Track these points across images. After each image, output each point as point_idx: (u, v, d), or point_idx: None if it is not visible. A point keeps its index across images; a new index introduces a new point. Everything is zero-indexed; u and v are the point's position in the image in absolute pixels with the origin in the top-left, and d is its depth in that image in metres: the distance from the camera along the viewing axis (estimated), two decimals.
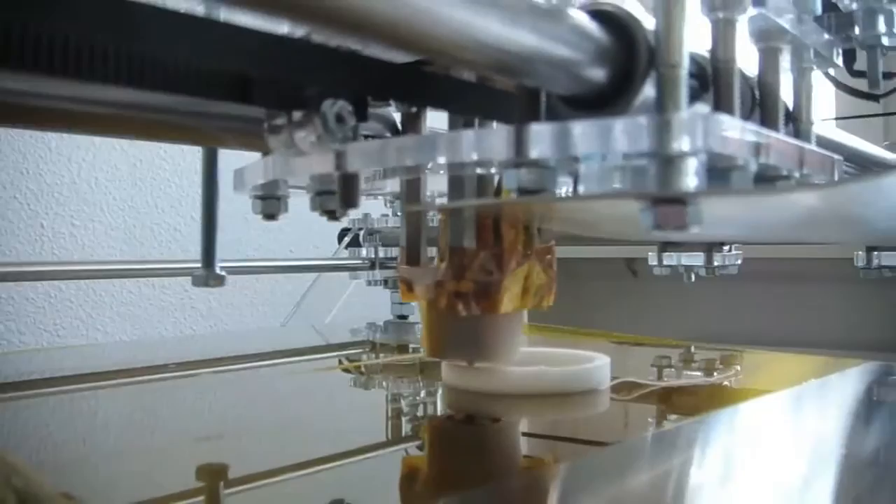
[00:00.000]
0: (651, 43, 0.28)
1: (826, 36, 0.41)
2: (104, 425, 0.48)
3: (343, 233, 0.89)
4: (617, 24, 0.28)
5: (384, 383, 0.58)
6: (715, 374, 0.58)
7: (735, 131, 0.27)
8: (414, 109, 0.38)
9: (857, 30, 0.44)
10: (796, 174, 0.32)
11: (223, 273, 0.51)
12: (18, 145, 1.02)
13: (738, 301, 1.38)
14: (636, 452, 0.39)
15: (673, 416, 0.48)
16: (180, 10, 0.23)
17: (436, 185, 0.48)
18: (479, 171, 0.39)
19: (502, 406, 0.46)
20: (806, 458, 0.38)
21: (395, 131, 0.40)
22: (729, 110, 0.31)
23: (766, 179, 0.32)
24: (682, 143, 0.25)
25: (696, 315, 1.38)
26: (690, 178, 0.26)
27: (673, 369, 0.55)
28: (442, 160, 0.30)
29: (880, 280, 0.74)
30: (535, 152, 0.27)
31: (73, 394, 0.57)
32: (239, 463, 0.36)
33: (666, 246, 0.67)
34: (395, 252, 0.82)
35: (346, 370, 0.68)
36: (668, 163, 0.26)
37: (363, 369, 0.65)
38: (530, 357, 0.51)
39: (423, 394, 0.54)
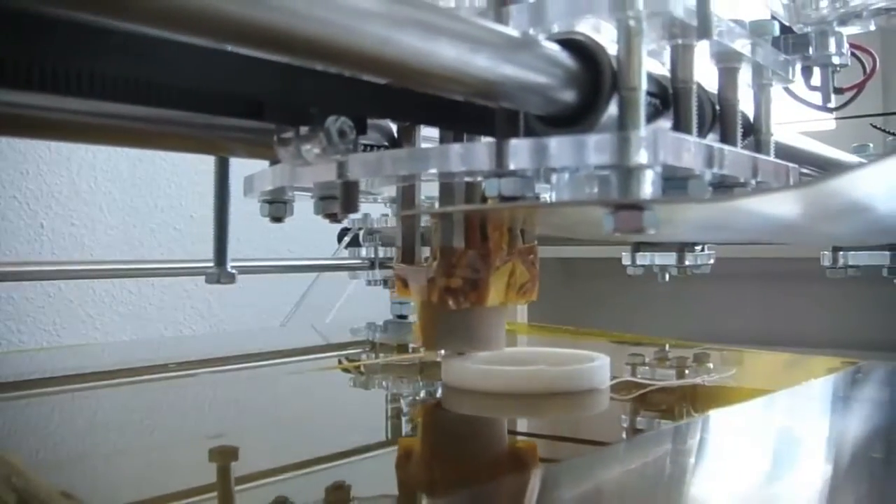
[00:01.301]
0: (615, 68, 0.31)
1: (783, 56, 0.45)
2: (104, 425, 0.48)
3: (343, 233, 0.89)
4: (585, 52, 0.32)
5: (384, 383, 0.58)
6: (714, 374, 0.58)
7: (688, 145, 0.31)
8: (408, 123, 0.42)
9: (811, 50, 0.49)
10: (752, 182, 0.37)
11: (234, 271, 0.55)
12: (18, 145, 1.02)
13: (739, 301, 1.38)
14: (636, 452, 0.39)
15: (673, 416, 0.48)
16: (206, 45, 0.26)
17: (429, 191, 0.52)
18: (466, 179, 0.44)
19: (502, 405, 0.46)
20: (807, 458, 0.38)
21: (392, 141, 0.43)
22: (687, 126, 0.35)
23: (727, 187, 0.36)
24: (640, 157, 0.29)
25: (697, 315, 1.38)
26: (647, 186, 0.30)
27: (673, 369, 0.55)
28: (433, 170, 0.35)
29: None
30: (513, 164, 0.32)
31: (73, 393, 0.57)
32: (238, 463, 0.36)
33: (639, 246, 0.69)
34: (394, 252, 0.82)
35: (346, 370, 0.68)
36: (627, 173, 0.30)
37: (363, 369, 0.65)
38: (530, 357, 0.51)
39: (422, 393, 0.54)
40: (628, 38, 0.31)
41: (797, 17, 0.52)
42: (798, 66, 0.49)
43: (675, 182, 0.33)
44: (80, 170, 1.08)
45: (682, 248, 0.67)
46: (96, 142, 0.35)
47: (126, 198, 1.13)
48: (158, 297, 1.16)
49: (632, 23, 0.31)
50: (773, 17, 0.50)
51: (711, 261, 0.68)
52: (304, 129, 0.31)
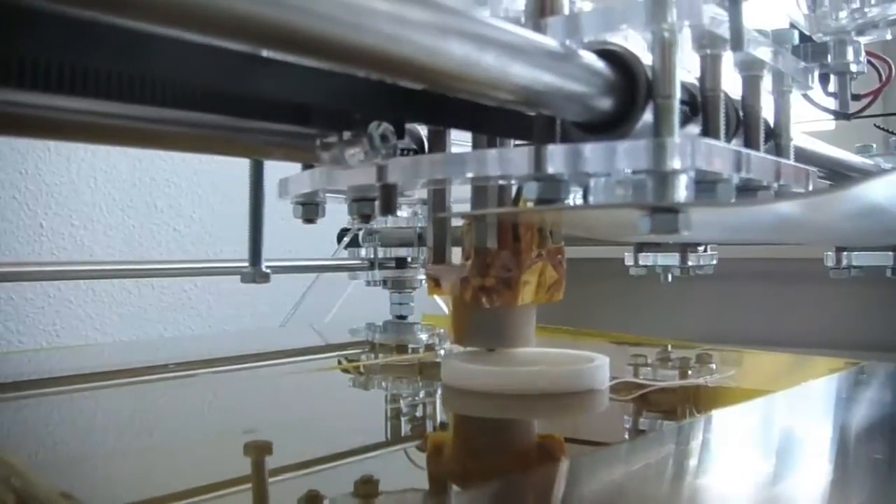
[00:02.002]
0: (649, 77, 0.33)
1: (802, 64, 0.47)
2: (103, 425, 0.48)
3: (342, 233, 0.89)
4: (621, 62, 0.33)
5: (383, 383, 0.58)
6: (714, 374, 0.58)
7: (719, 151, 0.33)
8: (440, 127, 0.44)
9: (829, 58, 0.52)
10: (774, 185, 0.39)
11: (269, 271, 0.58)
12: (18, 146, 1.02)
13: (740, 302, 1.38)
14: (635, 452, 0.39)
15: (672, 417, 0.48)
16: (262, 54, 0.27)
17: (458, 193, 0.54)
18: (500, 182, 0.46)
19: (502, 406, 0.46)
20: (808, 458, 0.38)
21: (420, 145, 0.45)
22: (715, 132, 0.37)
23: (749, 190, 0.38)
24: (674, 162, 0.31)
25: (697, 315, 1.38)
26: (682, 190, 0.31)
27: (673, 370, 0.55)
28: (471, 174, 0.37)
29: None
30: (551, 168, 0.33)
31: (73, 394, 0.57)
32: (238, 463, 0.36)
33: (642, 247, 0.70)
34: (394, 252, 0.82)
35: (346, 370, 0.68)
36: (662, 178, 0.31)
37: (362, 369, 0.65)
38: (530, 357, 0.51)
39: (422, 394, 0.54)
40: (663, 48, 0.32)
41: (817, 27, 0.54)
42: (816, 74, 0.50)
43: (703, 186, 0.35)
44: (79, 170, 1.08)
45: (685, 248, 0.67)
46: (135, 145, 0.35)
47: (125, 198, 1.13)
48: (157, 298, 1.16)
49: (666, 34, 0.32)
50: (793, 26, 0.52)
51: (714, 261, 0.69)
52: (346, 134, 0.33)
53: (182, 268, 1.01)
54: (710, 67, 0.38)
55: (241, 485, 0.34)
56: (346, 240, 0.86)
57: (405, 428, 0.46)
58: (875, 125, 0.81)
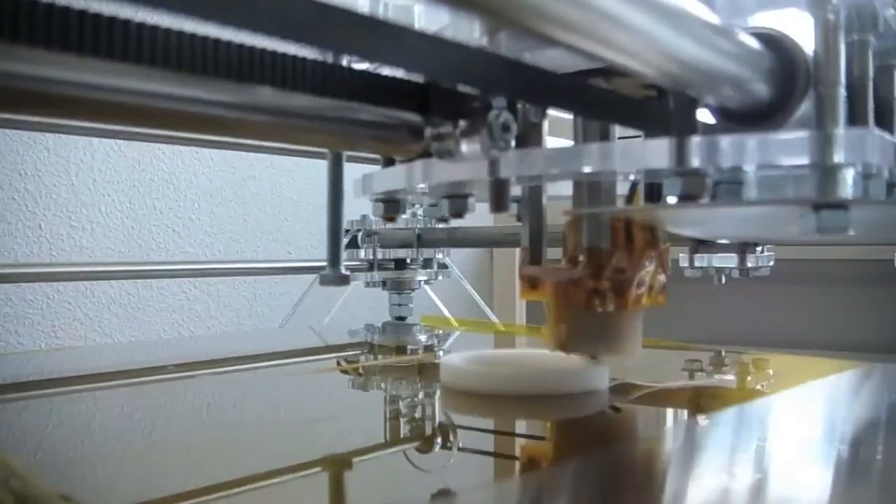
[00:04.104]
0: (809, 64, 0.31)
1: None
2: (102, 426, 0.48)
3: None
4: (779, 46, 0.31)
5: (382, 385, 0.58)
6: (715, 375, 0.58)
7: (886, 144, 0.31)
8: (535, 120, 0.41)
9: None
10: None
11: (348, 272, 0.56)
12: (16, 146, 1.02)
13: (741, 303, 1.39)
14: (635, 453, 0.39)
15: (672, 418, 0.48)
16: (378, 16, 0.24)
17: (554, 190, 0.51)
18: (617, 179, 0.43)
19: (501, 407, 0.46)
20: (809, 458, 0.38)
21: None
22: (864, 124, 0.34)
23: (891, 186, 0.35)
24: (841, 156, 0.28)
25: (697, 315, 1.38)
26: (849, 186, 0.29)
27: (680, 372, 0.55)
28: (591, 169, 0.34)
29: None
30: (696, 161, 0.30)
31: (71, 395, 0.57)
32: (237, 464, 0.36)
33: (698, 247, 0.66)
34: (393, 254, 0.82)
35: (345, 371, 0.68)
36: (828, 172, 0.29)
37: (361, 371, 0.65)
38: (530, 358, 0.51)
39: (421, 395, 0.54)
40: (826, 32, 0.30)
41: None
42: None
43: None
44: (78, 171, 1.08)
45: (744, 249, 0.64)
46: (214, 133, 0.32)
47: (124, 199, 1.13)
48: (157, 299, 1.16)
49: (831, 16, 0.30)
50: None
51: (771, 263, 0.66)
52: (462, 124, 0.30)
53: (204, 269, 1.01)
54: (857, 55, 0.34)
55: (241, 486, 0.33)
56: (346, 241, 0.86)
57: (405, 429, 0.46)
58: None
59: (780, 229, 0.38)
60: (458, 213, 0.42)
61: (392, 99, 0.29)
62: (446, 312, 1.13)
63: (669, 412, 0.49)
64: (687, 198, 0.31)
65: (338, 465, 0.36)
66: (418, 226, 0.81)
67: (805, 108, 0.31)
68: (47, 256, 1.05)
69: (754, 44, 0.30)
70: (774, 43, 0.31)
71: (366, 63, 0.30)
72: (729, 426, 0.44)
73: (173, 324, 1.18)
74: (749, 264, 0.64)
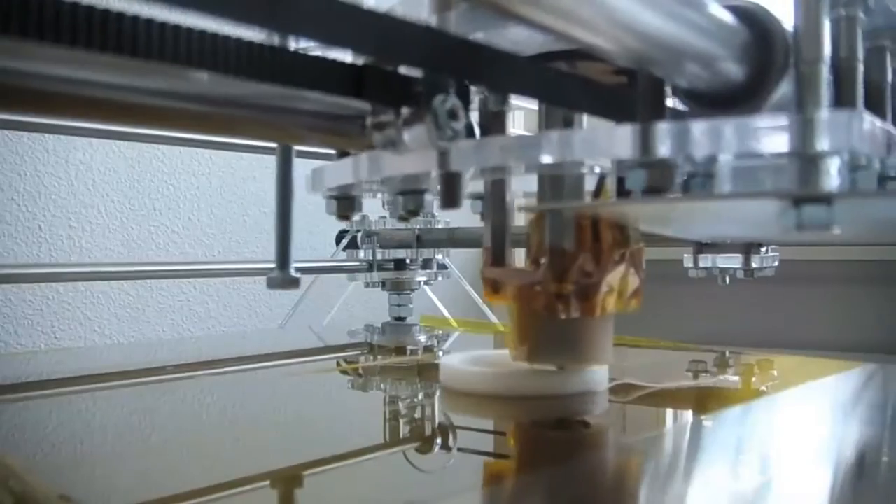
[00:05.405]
0: (788, 41, 0.27)
1: None
2: (102, 427, 0.48)
3: (341, 234, 0.89)
4: (754, 20, 0.28)
5: (382, 385, 0.58)
6: (713, 376, 0.58)
7: (875, 130, 0.27)
8: (496, 109, 0.38)
9: None
10: None
11: (298, 275, 0.50)
12: (16, 147, 1.02)
13: (740, 303, 1.39)
14: (635, 453, 0.39)
15: (672, 418, 0.48)
16: None
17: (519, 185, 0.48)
18: (583, 171, 0.38)
19: (500, 408, 0.46)
20: (810, 458, 0.38)
21: (470, 132, 0.39)
22: (851, 107, 0.31)
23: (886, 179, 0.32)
24: (824, 143, 0.25)
25: (696, 316, 1.38)
26: (833, 177, 0.25)
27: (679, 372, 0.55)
28: (550, 159, 0.30)
29: None
30: (663, 150, 0.27)
31: (71, 396, 0.57)
32: (237, 465, 0.36)
33: (702, 248, 0.65)
34: (392, 254, 0.82)
35: (344, 372, 0.67)
36: (809, 162, 0.25)
37: (361, 371, 0.65)
38: None
39: (420, 396, 0.54)
40: (808, 4, 0.26)
41: None
42: None
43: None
44: (77, 172, 1.08)
45: (749, 249, 0.62)
46: (153, 126, 0.29)
47: (124, 200, 1.13)
48: (156, 299, 1.16)
49: None
50: None
51: (776, 263, 0.64)
52: (405, 111, 0.27)
53: (204, 269, 1.01)
54: (844, 32, 0.31)
55: (241, 486, 0.33)
56: (345, 241, 0.86)
57: (404, 430, 0.46)
58: None
59: (759, 226, 0.35)
60: (414, 211, 0.38)
61: (319, 82, 0.26)
62: (446, 313, 1.13)
63: (669, 412, 0.49)
64: (652, 191, 0.28)
65: (337, 466, 0.36)
66: (417, 226, 0.81)
67: (784, 90, 0.28)
68: (47, 257, 1.05)
69: (727, 17, 0.27)
70: (749, 17, 0.28)
71: (307, 43, 0.26)
72: (729, 426, 0.44)
73: (173, 324, 1.18)
74: (754, 265, 0.63)
